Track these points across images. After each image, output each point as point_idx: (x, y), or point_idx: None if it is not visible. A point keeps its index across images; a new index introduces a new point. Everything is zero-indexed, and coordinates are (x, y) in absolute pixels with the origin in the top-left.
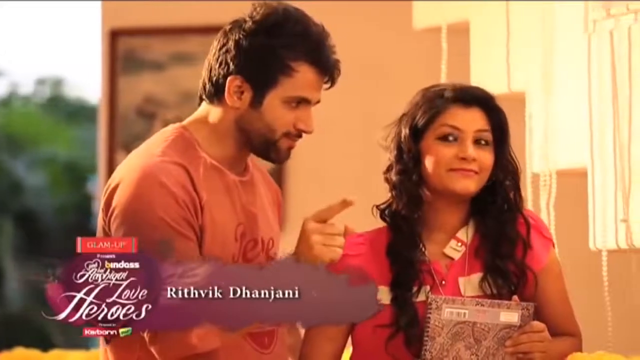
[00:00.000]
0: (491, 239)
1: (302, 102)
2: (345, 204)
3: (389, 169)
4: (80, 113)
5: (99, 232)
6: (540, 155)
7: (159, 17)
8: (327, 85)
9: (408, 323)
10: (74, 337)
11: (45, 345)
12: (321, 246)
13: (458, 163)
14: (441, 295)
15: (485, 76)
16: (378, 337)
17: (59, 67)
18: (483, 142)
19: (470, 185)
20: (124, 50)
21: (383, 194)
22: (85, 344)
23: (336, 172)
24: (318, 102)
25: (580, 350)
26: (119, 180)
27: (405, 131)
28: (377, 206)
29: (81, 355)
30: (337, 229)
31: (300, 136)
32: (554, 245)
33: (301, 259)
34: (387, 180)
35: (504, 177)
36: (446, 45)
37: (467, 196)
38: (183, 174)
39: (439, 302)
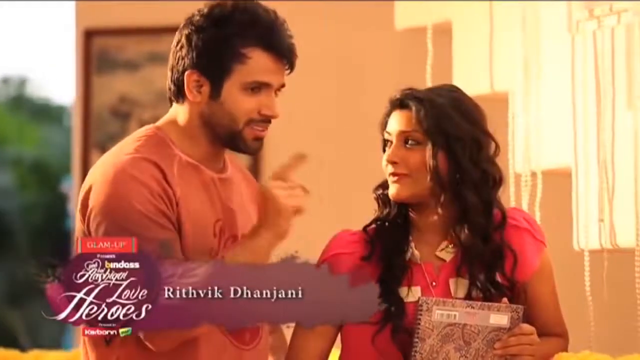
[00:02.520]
0: (476, 255)
1: (262, 87)
2: (298, 158)
3: None
4: (48, 113)
5: (78, 234)
6: (523, 156)
7: (133, 17)
8: (287, 71)
9: (394, 314)
10: (41, 337)
11: (12, 346)
12: (285, 197)
13: (387, 168)
14: (432, 297)
15: (468, 76)
16: (366, 334)
17: (26, 67)
18: (411, 142)
19: (400, 190)
20: (98, 50)
21: (362, 195)
22: (54, 344)
23: (315, 173)
24: (282, 86)
25: (566, 350)
26: (93, 181)
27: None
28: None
29: (60, 355)
30: (295, 182)
31: (266, 122)
32: (546, 246)
33: (266, 220)
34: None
35: (461, 184)
36: (430, 46)
37: (404, 202)
38: (154, 169)
39: (429, 303)
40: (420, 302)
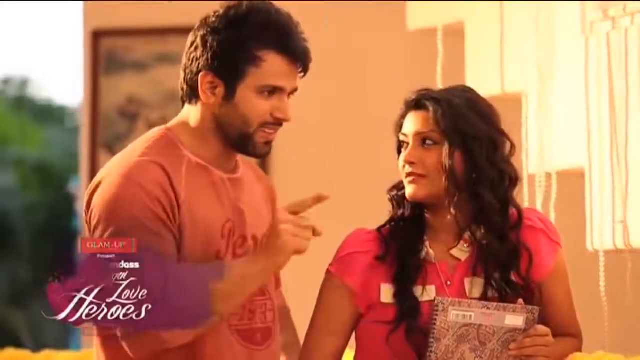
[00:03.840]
0: (492, 254)
1: (275, 91)
2: (319, 198)
3: None
4: (50, 114)
5: (85, 233)
6: (536, 157)
7: (141, 18)
8: (301, 74)
9: (408, 314)
10: (44, 337)
11: (14, 345)
12: (289, 236)
13: (404, 169)
14: (448, 297)
15: (480, 77)
16: (381, 334)
17: (28, 67)
18: (428, 142)
19: (416, 190)
20: (106, 50)
21: (373, 196)
22: (57, 344)
23: (322, 172)
24: (295, 90)
25: (580, 351)
26: (99, 181)
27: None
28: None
29: (71, 355)
30: (308, 221)
31: (279, 125)
32: (561, 247)
33: (266, 250)
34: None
35: (477, 183)
36: (440, 47)
37: (420, 202)
38: (159, 172)
39: (445, 304)
40: (436, 302)
